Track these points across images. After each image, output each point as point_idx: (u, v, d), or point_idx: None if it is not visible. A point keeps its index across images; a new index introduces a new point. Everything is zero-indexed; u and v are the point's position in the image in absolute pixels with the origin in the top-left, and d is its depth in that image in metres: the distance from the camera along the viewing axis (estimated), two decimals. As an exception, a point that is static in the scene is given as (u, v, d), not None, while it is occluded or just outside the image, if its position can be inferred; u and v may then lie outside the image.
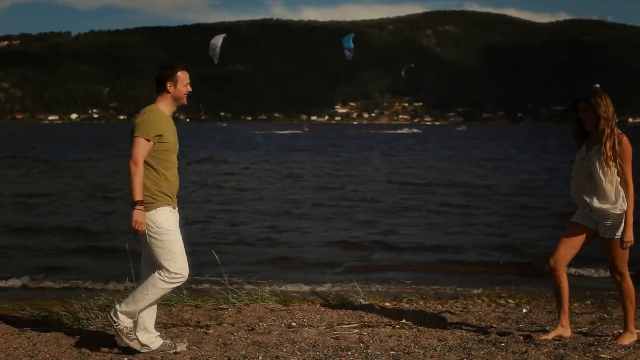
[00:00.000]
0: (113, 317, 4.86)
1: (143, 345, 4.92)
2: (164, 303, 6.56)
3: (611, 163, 5.04)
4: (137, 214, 4.66)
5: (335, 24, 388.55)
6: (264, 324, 5.94)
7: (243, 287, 6.85)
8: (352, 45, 21.44)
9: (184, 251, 4.86)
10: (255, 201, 19.47)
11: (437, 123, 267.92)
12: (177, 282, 4.84)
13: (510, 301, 6.96)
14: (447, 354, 4.84)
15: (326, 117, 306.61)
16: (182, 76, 4.89)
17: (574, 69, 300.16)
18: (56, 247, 12.64)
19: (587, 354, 4.80)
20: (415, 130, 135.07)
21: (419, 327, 5.83)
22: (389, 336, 5.39)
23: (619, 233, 5.10)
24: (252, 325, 5.86)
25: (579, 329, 5.76)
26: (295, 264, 11.22)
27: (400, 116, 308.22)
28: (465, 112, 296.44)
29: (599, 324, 5.95)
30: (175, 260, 4.78)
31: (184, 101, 4.96)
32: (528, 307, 6.64)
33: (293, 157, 43.75)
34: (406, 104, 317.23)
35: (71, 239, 13.40)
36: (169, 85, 4.86)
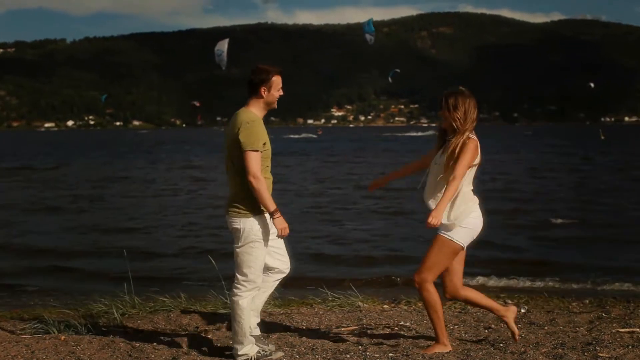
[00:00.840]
0: None
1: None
2: (163, 308, 6.56)
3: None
4: (278, 222, 4.62)
5: (330, 27, 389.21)
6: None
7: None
8: (373, 29, 21.14)
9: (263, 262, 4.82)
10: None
11: (434, 125, 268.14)
12: (254, 290, 4.79)
13: (509, 301, 6.94)
14: (445, 355, 4.84)
15: (322, 121, 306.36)
16: (277, 80, 4.76)
17: (569, 68, 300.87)
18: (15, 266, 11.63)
19: (586, 353, 4.79)
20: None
21: (417, 329, 5.83)
22: (387, 338, 5.39)
23: (445, 231, 4.68)
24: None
25: (578, 329, 5.75)
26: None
27: (397, 118, 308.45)
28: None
29: (597, 323, 5.93)
30: (257, 268, 4.75)
31: (275, 106, 4.87)
32: (526, 307, 6.63)
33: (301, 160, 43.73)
34: (402, 106, 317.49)
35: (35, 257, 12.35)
36: (262, 90, 4.74)
